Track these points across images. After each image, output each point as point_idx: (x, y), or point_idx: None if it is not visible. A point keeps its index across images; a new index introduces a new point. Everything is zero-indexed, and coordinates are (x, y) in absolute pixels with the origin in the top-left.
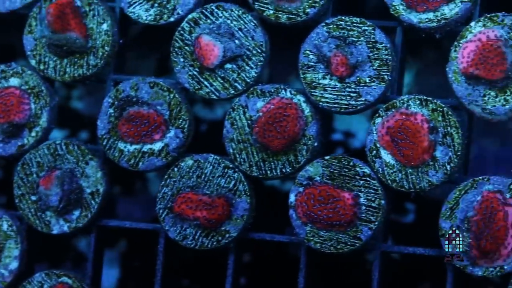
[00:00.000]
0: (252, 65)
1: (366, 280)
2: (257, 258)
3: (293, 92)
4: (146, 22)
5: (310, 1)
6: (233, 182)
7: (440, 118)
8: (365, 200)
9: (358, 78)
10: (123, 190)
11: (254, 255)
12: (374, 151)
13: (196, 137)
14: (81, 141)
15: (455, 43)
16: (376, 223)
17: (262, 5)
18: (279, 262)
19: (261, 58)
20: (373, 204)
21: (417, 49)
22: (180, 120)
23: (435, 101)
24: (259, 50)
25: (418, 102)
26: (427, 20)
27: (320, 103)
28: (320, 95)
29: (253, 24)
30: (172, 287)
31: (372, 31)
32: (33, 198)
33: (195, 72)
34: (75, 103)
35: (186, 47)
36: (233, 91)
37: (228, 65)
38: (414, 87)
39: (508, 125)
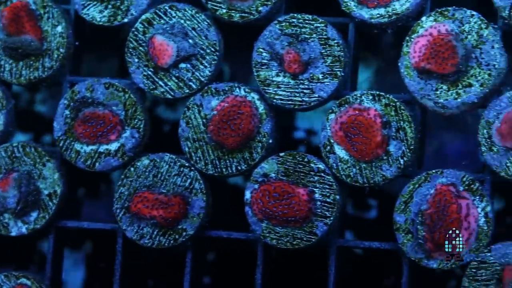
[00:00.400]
0: (206, 64)
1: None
2: (228, 257)
3: (247, 90)
4: (100, 23)
5: (262, 0)
6: (189, 180)
7: (393, 113)
8: (320, 196)
9: (311, 75)
10: (87, 192)
11: (225, 253)
12: (328, 147)
13: (159, 137)
14: (38, 144)
15: (407, 38)
16: (332, 218)
17: (215, 4)
18: (247, 260)
19: (215, 57)
20: (328, 200)
21: (377, 47)
22: (136, 120)
23: (388, 96)
24: (212, 49)
25: (371, 97)
26: (378, 15)
27: (274, 100)
28: (274, 92)
29: (206, 23)
30: (136, 287)
31: (324, 28)
32: None
33: (149, 72)
34: (39, 107)
35: (140, 48)
36: (187, 90)
37: (183, 65)
38: (374, 85)
39: (468, 120)
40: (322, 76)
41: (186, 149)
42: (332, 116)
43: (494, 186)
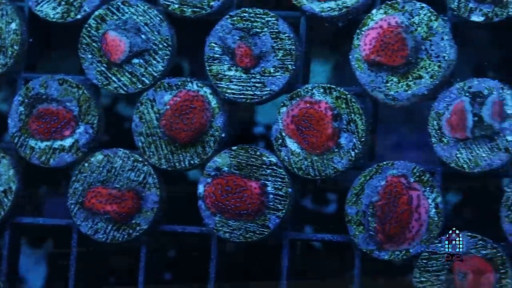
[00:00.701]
0: (159, 59)
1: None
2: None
3: (199, 84)
4: (54, 20)
5: None
6: (142, 175)
7: (343, 106)
8: (272, 189)
9: (263, 69)
10: (50, 190)
11: (185, 250)
12: (280, 140)
13: (120, 134)
14: None
15: (358, 31)
16: (284, 211)
17: None
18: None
19: (168, 52)
20: (280, 193)
21: (336, 41)
22: (90, 116)
23: (338, 89)
24: (165, 44)
25: (322, 90)
26: (329, 9)
27: (226, 94)
28: (226, 86)
29: (158, 18)
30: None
31: (276, 21)
32: None
33: (103, 68)
34: (0, 105)
35: (94, 44)
36: (141, 86)
37: (136, 60)
38: (332, 79)
39: (424, 113)
40: (273, 70)
41: (140, 144)
42: (284, 109)
43: (452, 180)
